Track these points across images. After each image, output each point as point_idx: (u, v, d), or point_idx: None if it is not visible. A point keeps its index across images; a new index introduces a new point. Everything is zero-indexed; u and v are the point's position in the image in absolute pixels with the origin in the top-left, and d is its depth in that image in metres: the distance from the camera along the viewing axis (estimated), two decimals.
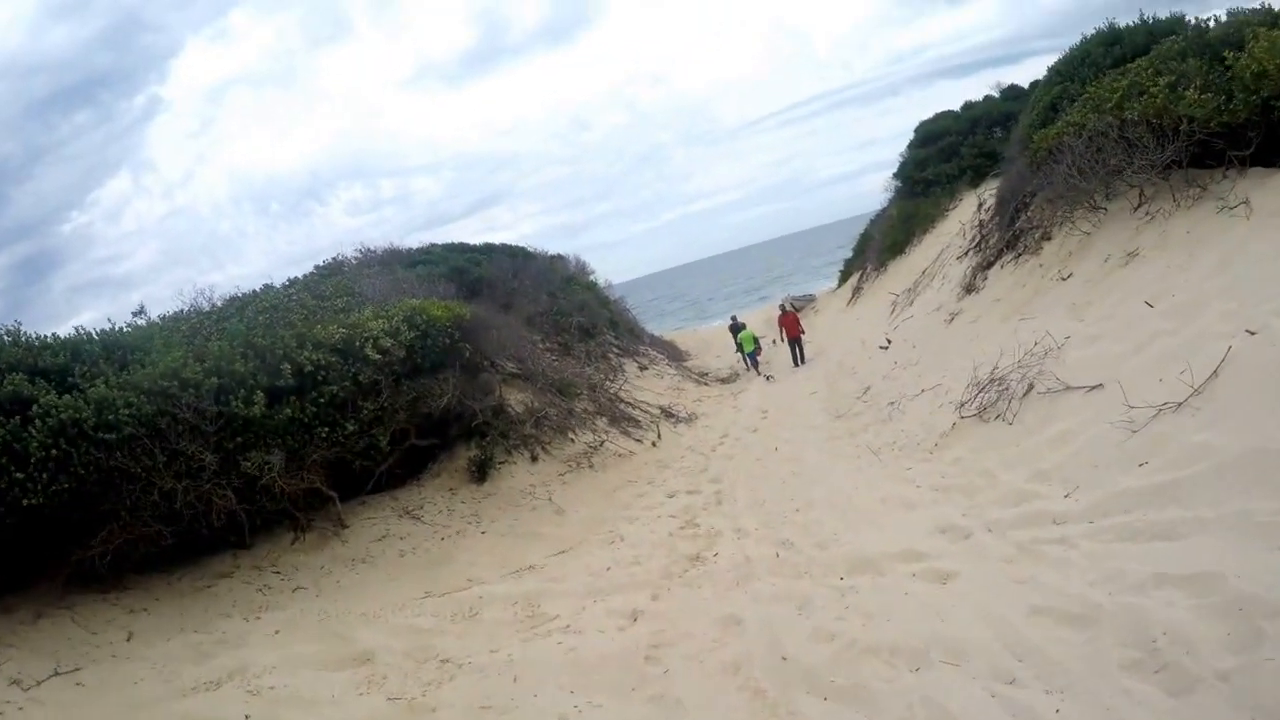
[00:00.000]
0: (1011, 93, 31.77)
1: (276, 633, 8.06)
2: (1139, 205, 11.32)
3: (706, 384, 26.07)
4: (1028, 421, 9.21)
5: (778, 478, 12.24)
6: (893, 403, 14.02)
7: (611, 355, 24.41)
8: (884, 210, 36.46)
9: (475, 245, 27.85)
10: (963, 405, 10.77)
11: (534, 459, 14.06)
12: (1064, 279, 12.04)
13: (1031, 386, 9.61)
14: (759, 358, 28.53)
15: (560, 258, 31.43)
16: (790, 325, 27.33)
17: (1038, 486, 7.72)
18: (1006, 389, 10.04)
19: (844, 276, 41.05)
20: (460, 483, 13.08)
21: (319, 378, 10.83)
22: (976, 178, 27.71)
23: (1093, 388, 8.51)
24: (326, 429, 10.75)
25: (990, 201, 19.13)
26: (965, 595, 6.25)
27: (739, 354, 29.92)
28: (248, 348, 10.68)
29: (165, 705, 6.41)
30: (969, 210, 22.06)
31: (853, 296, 33.59)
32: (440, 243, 27.31)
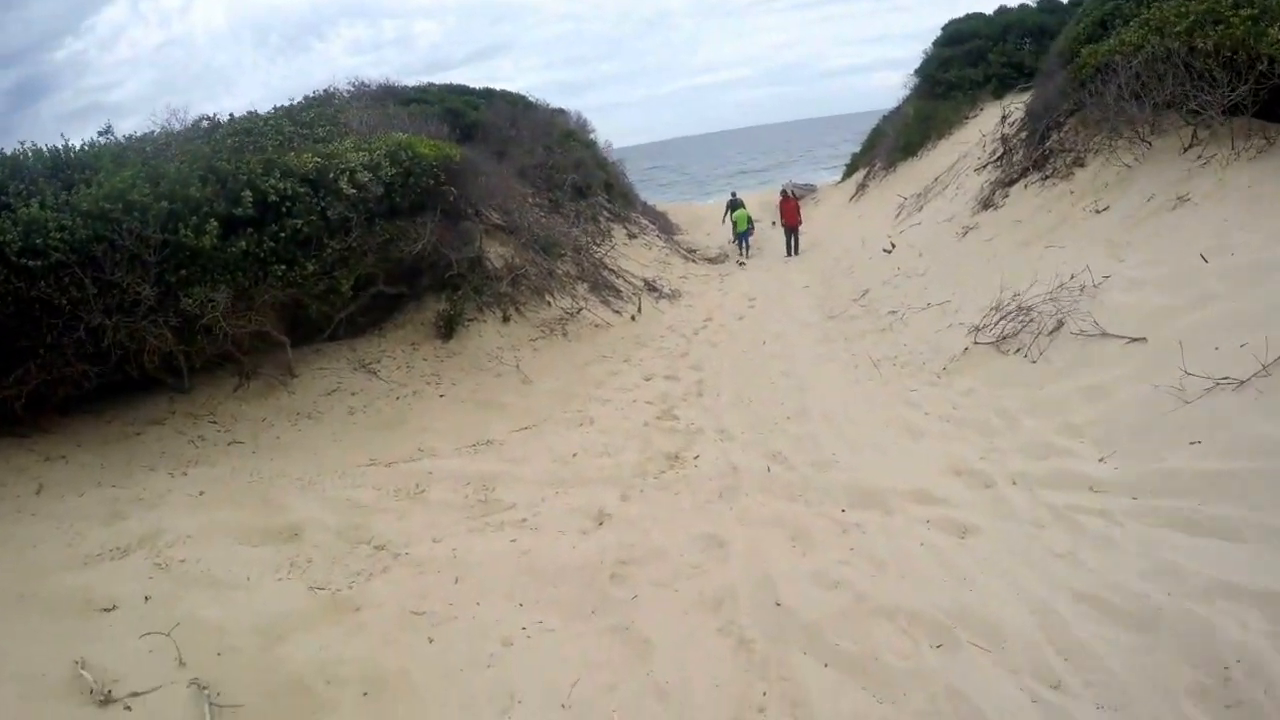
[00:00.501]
0: (1049, 4, 30.32)
1: (201, 493, 7.15)
2: (1190, 145, 10.23)
3: (694, 261, 24.96)
4: (1055, 363, 8.23)
5: (766, 377, 11.32)
6: (894, 312, 13.11)
7: (602, 219, 23.22)
8: (899, 108, 34.81)
9: (474, 89, 26.12)
10: (978, 329, 9.81)
11: (506, 320, 13.15)
12: (1098, 212, 11.02)
13: (1062, 324, 8.60)
14: (750, 239, 28.11)
15: (561, 112, 29.62)
16: (789, 213, 26.02)
17: (1068, 442, 6.77)
18: (1031, 321, 9.04)
19: (849, 171, 39.33)
20: (424, 338, 12.17)
21: (284, 209, 9.72)
22: (1001, 88, 27.02)
23: (1134, 340, 7.54)
24: (284, 267, 9.66)
25: (1016, 115, 18.08)
26: (993, 560, 5.38)
27: (732, 232, 28.94)
28: (209, 171, 9.51)
29: (60, 575, 5.49)
30: (991, 121, 21.15)
31: (857, 193, 32.20)
32: (439, 83, 25.68)
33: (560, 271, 15.70)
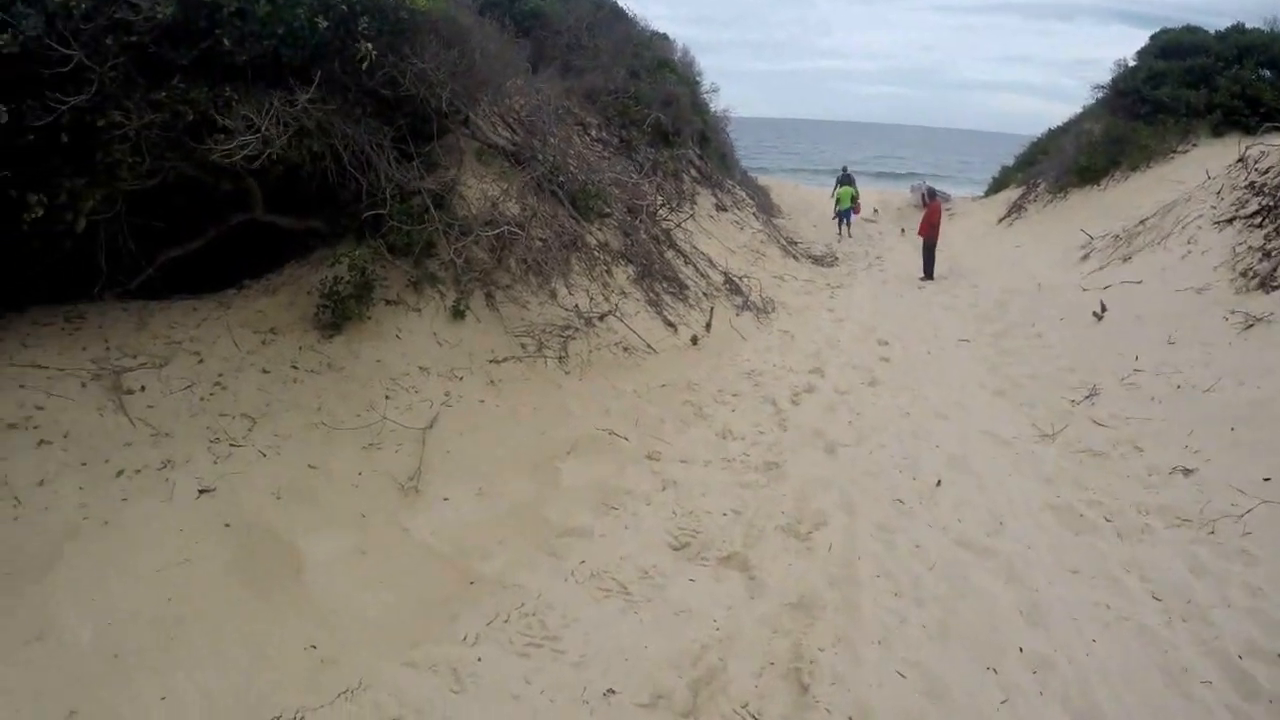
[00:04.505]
0: None
1: None
2: None
3: (796, 258, 18.18)
4: None
5: (979, 617, 4.61)
6: (1189, 471, 6.47)
7: (686, 177, 16.73)
8: (1076, 122, 27.79)
9: None
10: None
11: (458, 313, 7.07)
12: None
13: None
14: (853, 219, 24.56)
15: (663, 36, 22.89)
16: (931, 221, 17.67)
17: None
18: None
19: (997, 185, 31.80)
20: (297, 322, 6.32)
21: None
22: (1226, 124, 20.90)
23: None
24: None
25: (1270, 159, 12.62)
26: None
27: (833, 210, 24.71)
28: None
29: None
30: (1215, 161, 15.60)
31: (1009, 214, 24.95)
32: None
33: (594, 242, 9.44)
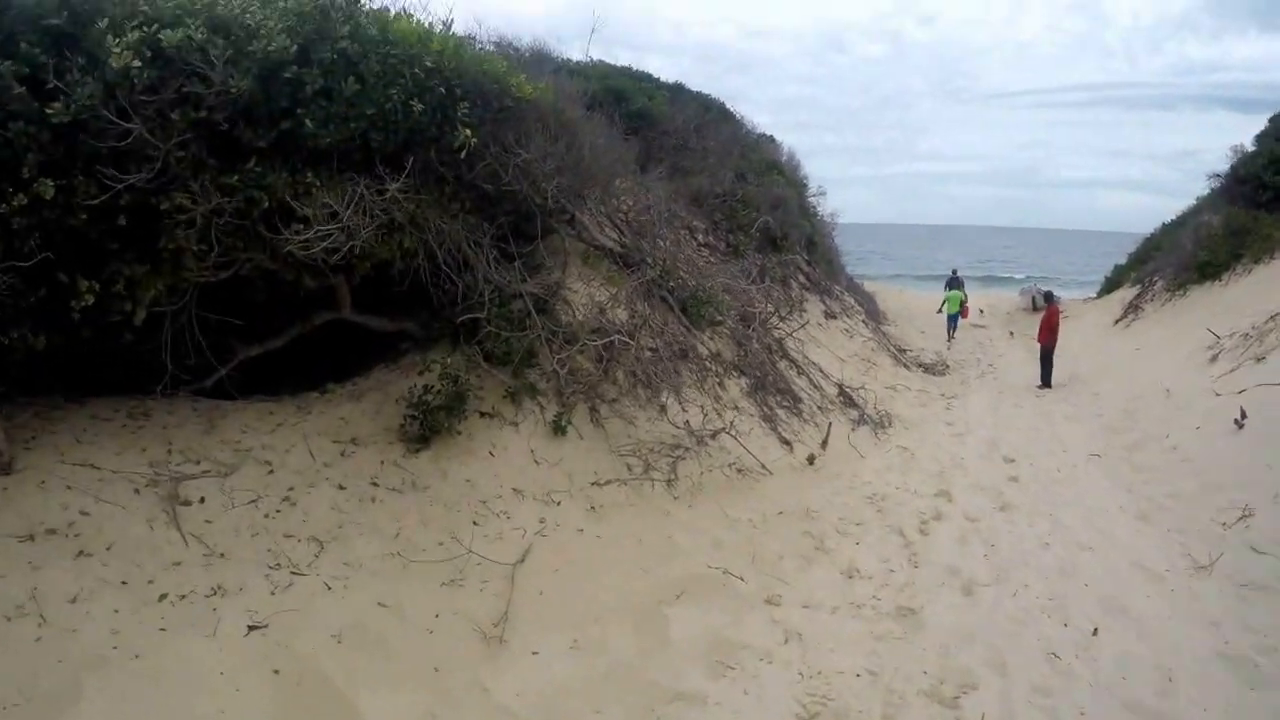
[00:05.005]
0: None
1: None
2: None
3: (907, 366, 17.31)
4: None
5: None
6: None
7: (794, 283, 16.06)
8: (1193, 213, 26.44)
9: (657, 79, 19.21)
10: None
11: (559, 428, 6.46)
12: None
13: None
14: (962, 320, 23.93)
15: (770, 139, 22.62)
16: (1050, 325, 16.75)
17: None
18: None
19: (1110, 285, 30.65)
20: (383, 432, 5.82)
21: None
22: None
23: None
24: None
25: None
26: None
27: (944, 320, 23.93)
28: None
29: None
30: None
31: (1126, 315, 23.65)
32: (612, 64, 18.54)
33: (706, 352, 8.77)
